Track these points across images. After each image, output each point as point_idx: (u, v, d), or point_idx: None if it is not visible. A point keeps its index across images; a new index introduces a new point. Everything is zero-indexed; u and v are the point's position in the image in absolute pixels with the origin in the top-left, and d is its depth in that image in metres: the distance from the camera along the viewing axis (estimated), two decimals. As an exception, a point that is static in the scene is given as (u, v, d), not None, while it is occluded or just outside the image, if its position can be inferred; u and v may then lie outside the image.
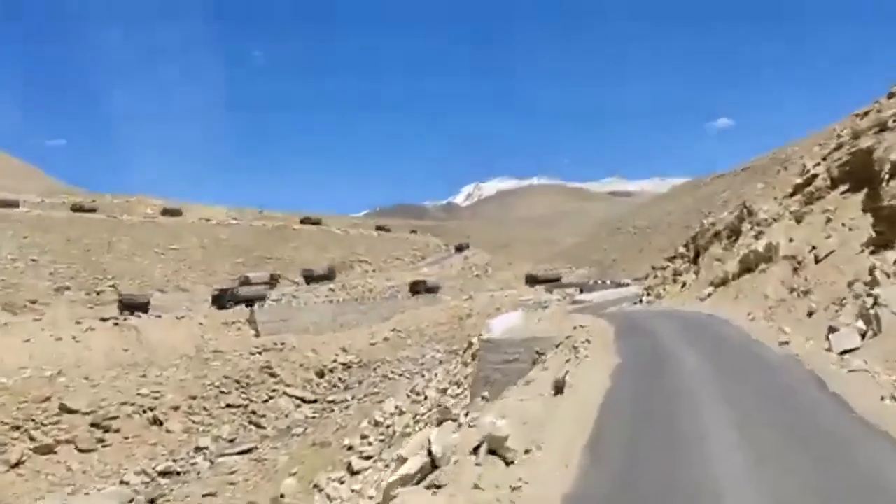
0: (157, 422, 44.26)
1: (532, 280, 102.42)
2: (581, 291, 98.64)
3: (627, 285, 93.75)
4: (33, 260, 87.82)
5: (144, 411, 45.15)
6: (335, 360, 62.40)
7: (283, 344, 62.92)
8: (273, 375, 55.34)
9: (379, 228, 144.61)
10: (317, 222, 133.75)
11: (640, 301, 46.19)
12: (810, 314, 17.23)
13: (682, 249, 43.67)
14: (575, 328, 22.31)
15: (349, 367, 62.79)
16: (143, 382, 48.91)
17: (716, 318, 21.84)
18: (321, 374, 59.58)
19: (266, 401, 50.77)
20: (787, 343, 15.84)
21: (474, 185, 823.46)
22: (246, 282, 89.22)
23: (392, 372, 60.40)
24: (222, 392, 49.45)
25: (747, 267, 25.41)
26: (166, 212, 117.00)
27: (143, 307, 66.89)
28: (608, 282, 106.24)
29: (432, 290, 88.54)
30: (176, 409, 46.18)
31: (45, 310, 71.92)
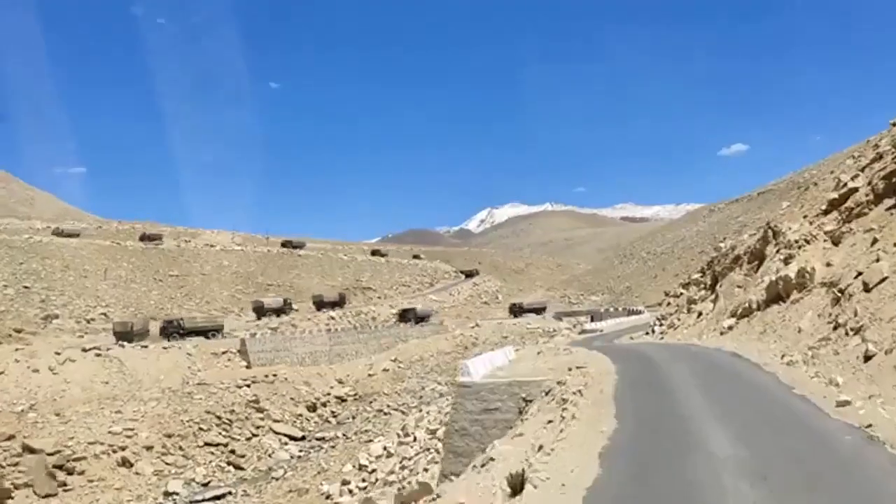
0: (126, 463, 40.62)
1: (518, 309, 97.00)
2: (592, 319, 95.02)
3: (640, 313, 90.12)
4: (26, 287, 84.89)
5: (114, 451, 41.53)
6: (329, 394, 58.79)
7: (274, 376, 59.28)
8: (260, 410, 51.74)
9: (374, 253, 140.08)
10: (299, 246, 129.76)
11: (653, 331, 42.56)
12: (867, 358, 13.36)
13: (697, 276, 40.09)
14: (571, 370, 18.63)
15: (343, 400, 59.15)
16: (118, 419, 45.38)
17: (742, 360, 17.82)
18: (313, 409, 55.96)
19: (249, 438, 47.05)
20: (846, 404, 11.63)
21: (487, 210, 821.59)
22: (260, 307, 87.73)
23: (388, 406, 56.76)
24: (201, 429, 45.79)
25: (776, 296, 21.75)
26: (144, 237, 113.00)
27: (128, 336, 63.54)
28: (620, 309, 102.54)
29: (423, 318, 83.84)
30: (149, 448, 42.54)
31: (32, 339, 68.75)
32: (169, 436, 44.34)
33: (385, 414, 54.23)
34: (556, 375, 18.01)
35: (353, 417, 54.58)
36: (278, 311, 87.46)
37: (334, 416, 55.85)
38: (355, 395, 60.70)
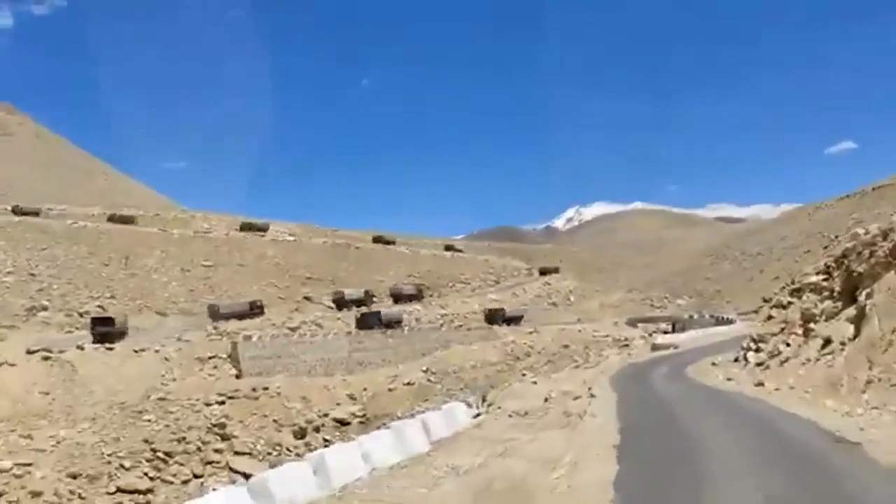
0: (-7, 518, 29.74)
1: (500, 317, 79.74)
2: (673, 327, 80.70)
3: (731, 322, 74.99)
4: (31, 274, 76.28)
5: (-13, 498, 30.67)
6: (326, 415, 46.88)
7: (264, 389, 47.79)
8: (224, 438, 40.18)
9: (377, 241, 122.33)
10: (263, 228, 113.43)
11: (745, 358, 28.81)
12: None
13: (817, 278, 26.04)
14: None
15: (346, 423, 47.05)
16: (20, 448, 34.61)
17: None
18: (301, 435, 44.01)
19: (188, 481, 35.40)
20: None
21: (575, 209, 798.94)
22: (340, 298, 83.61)
23: (395, 435, 44.41)
24: (123, 466, 34.42)
25: None
26: (113, 219, 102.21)
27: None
28: (707, 316, 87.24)
29: (391, 324, 69.37)
30: (36, 496, 31.45)
31: (7, 333, 59.29)
32: (75, 476, 33.11)
33: (384, 447, 41.86)
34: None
35: (347, 450, 42.48)
36: (359, 303, 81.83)
37: (327, 446, 43.97)
38: (363, 416, 48.61)
